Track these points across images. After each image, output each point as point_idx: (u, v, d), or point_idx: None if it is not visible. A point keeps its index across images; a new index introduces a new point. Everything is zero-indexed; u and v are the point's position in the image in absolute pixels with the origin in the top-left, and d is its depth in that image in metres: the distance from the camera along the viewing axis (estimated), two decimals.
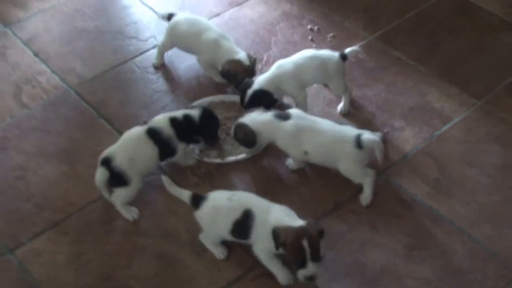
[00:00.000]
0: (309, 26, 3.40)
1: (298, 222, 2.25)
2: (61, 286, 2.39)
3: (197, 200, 2.39)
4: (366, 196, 2.60)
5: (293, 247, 2.18)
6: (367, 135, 2.56)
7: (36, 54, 3.31)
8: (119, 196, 2.55)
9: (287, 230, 2.19)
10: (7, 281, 2.39)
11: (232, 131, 2.73)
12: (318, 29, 3.39)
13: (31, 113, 3.01)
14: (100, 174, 2.53)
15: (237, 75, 2.89)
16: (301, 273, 2.21)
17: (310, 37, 3.33)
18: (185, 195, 2.43)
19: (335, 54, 2.89)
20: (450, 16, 3.48)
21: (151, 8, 3.53)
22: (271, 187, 2.67)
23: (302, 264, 2.19)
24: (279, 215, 2.28)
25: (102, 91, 3.11)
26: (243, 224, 2.29)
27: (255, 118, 2.65)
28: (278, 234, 2.19)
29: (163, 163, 2.70)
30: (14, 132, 2.93)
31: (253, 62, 2.94)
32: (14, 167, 2.78)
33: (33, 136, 2.92)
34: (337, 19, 3.46)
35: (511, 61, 3.23)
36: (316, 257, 2.20)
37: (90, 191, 2.64)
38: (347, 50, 2.90)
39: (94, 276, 2.41)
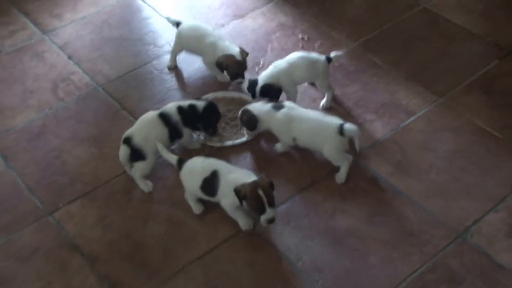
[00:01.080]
0: (300, 35, 3.90)
1: (252, 179, 2.76)
2: (90, 240, 2.88)
3: (181, 163, 2.93)
4: (341, 176, 3.08)
5: (252, 197, 2.71)
6: (348, 125, 3.03)
7: (69, 58, 3.81)
8: (138, 169, 3.04)
9: (244, 185, 2.72)
10: (47, 236, 2.90)
11: (239, 114, 3.21)
12: (308, 38, 3.89)
13: (66, 105, 3.51)
14: (123, 151, 3.03)
15: (227, 67, 3.41)
16: (263, 218, 2.74)
17: (300, 45, 3.83)
18: (173, 159, 2.97)
19: (322, 57, 3.38)
20: (422, 28, 3.94)
21: (166, 19, 4.07)
22: (262, 166, 3.17)
23: (262, 210, 2.72)
24: (236, 175, 2.81)
25: (125, 88, 3.60)
26: (211, 181, 2.83)
27: (259, 107, 3.15)
28: (239, 191, 2.72)
29: (174, 146, 3.21)
30: (52, 121, 3.43)
31: (244, 56, 3.45)
32: (53, 148, 3.28)
33: (68, 124, 3.41)
34: (325, 29, 3.96)
35: (471, 66, 3.67)
36: (271, 202, 2.73)
37: (115, 168, 3.15)
38: (332, 54, 3.39)
39: (117, 233, 2.90)
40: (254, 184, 2.74)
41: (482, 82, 3.60)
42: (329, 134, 3.05)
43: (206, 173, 2.87)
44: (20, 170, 3.20)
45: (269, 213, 2.73)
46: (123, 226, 2.96)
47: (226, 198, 2.83)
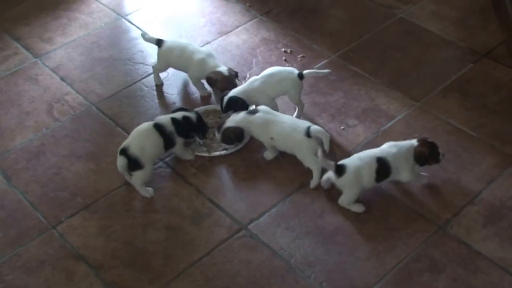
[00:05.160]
0: (283, 49, 4.09)
1: (410, 141, 3.17)
2: (94, 250, 3.02)
3: (340, 169, 3.08)
4: (314, 181, 3.24)
5: (425, 148, 3.14)
6: (315, 127, 3.22)
7: (62, 79, 3.95)
8: (137, 178, 3.20)
9: (422, 146, 3.13)
10: (52, 249, 3.04)
11: (220, 137, 3.37)
12: (291, 51, 4.08)
13: (62, 125, 3.65)
14: (120, 161, 3.19)
15: (217, 81, 3.58)
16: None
17: (284, 58, 4.02)
18: (331, 164, 3.09)
19: (295, 72, 3.52)
20: (398, 37, 4.14)
21: (141, 36, 4.04)
22: (252, 173, 3.34)
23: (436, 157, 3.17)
24: (398, 147, 3.14)
25: (117, 106, 3.75)
26: (384, 168, 3.08)
27: (234, 119, 3.33)
28: (421, 153, 3.13)
29: (168, 158, 3.41)
30: (50, 140, 3.57)
31: (232, 74, 3.63)
32: (52, 166, 3.42)
33: (65, 142, 3.55)
34: (306, 42, 4.16)
35: (446, 71, 3.87)
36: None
37: (113, 181, 3.31)
38: (305, 71, 3.53)
39: (119, 242, 3.05)
40: (427, 143, 3.17)
41: (457, 85, 3.80)
42: (298, 136, 3.23)
43: (374, 165, 3.08)
44: (22, 188, 3.35)
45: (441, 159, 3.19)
46: (124, 234, 3.11)
47: (404, 171, 3.13)
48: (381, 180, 3.12)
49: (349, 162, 3.10)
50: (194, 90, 3.85)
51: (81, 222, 3.17)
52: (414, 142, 3.15)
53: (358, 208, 3.14)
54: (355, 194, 3.12)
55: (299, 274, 2.91)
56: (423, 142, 3.14)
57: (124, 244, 3.07)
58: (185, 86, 3.90)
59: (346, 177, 3.08)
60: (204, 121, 3.47)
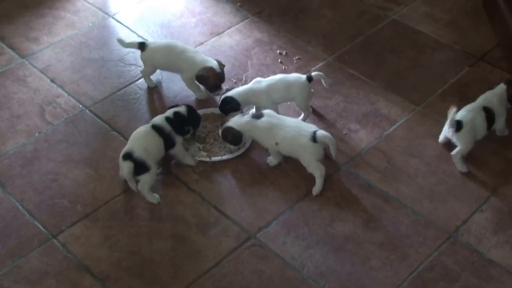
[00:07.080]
0: (278, 51, 4.02)
1: (499, 86, 3.43)
2: (98, 260, 2.92)
3: (459, 124, 3.24)
4: (317, 188, 3.19)
5: None
6: (321, 132, 3.17)
7: (52, 81, 3.82)
8: (145, 182, 3.10)
9: None
10: (54, 260, 2.93)
11: (220, 134, 3.33)
12: (286, 53, 4.02)
13: (55, 128, 3.53)
14: (127, 167, 3.07)
15: (208, 78, 3.52)
16: None
17: (279, 60, 3.96)
18: (453, 121, 3.25)
19: (303, 77, 3.48)
20: (393, 39, 4.11)
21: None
22: (256, 179, 3.27)
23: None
24: (491, 95, 3.40)
25: (112, 109, 3.64)
26: (490, 115, 3.32)
27: (238, 121, 3.27)
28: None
29: (172, 162, 3.33)
30: (44, 145, 3.44)
31: (222, 68, 3.57)
32: (48, 172, 3.30)
33: (60, 147, 3.43)
34: (301, 44, 4.10)
35: (443, 74, 3.85)
36: None
37: (113, 188, 3.20)
38: (313, 74, 3.50)
39: (124, 252, 2.95)
40: None
41: (455, 89, 3.79)
42: (303, 140, 3.17)
43: (483, 115, 3.31)
44: (18, 195, 3.22)
45: None
46: (129, 244, 3.01)
47: (500, 117, 3.39)
48: (490, 128, 3.34)
49: (462, 117, 3.27)
50: (191, 93, 3.75)
51: (83, 231, 3.07)
52: (502, 86, 3.41)
53: (463, 167, 3.32)
54: (470, 145, 3.29)
55: (312, 284, 2.85)
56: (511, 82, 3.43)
57: (129, 254, 2.98)
58: (181, 88, 3.79)
59: (463, 131, 3.26)
60: (196, 112, 3.40)
